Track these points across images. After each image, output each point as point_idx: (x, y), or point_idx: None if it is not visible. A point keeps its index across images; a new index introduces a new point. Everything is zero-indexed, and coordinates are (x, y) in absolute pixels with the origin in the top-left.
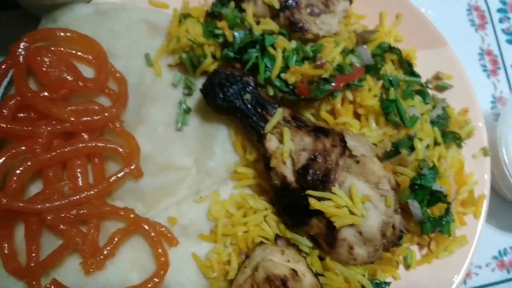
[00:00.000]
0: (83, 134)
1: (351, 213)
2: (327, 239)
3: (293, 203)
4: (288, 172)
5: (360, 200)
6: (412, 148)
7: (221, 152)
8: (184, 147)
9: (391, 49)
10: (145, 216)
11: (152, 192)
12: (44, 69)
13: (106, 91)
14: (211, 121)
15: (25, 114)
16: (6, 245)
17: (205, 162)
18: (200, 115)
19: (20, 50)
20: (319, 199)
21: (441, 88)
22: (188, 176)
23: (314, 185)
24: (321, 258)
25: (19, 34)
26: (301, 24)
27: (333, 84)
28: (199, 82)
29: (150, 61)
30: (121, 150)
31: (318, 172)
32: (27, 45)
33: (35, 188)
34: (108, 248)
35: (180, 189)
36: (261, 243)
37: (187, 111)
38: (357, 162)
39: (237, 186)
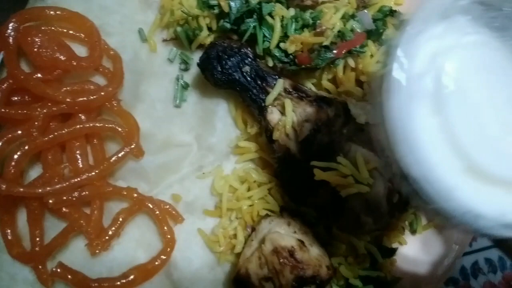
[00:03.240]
0: (80, 115)
1: (357, 181)
2: (333, 209)
3: (298, 174)
4: (292, 144)
5: (366, 168)
6: None
7: (222, 127)
8: (184, 123)
9: (392, 13)
10: (149, 194)
11: (155, 170)
12: (35, 49)
13: (101, 69)
14: (210, 96)
15: (19, 98)
16: (9, 230)
17: (206, 138)
18: (199, 91)
19: (9, 31)
20: (324, 169)
21: None
22: (189, 153)
23: (319, 155)
24: (328, 228)
25: (6, 14)
26: None
27: (334, 51)
28: (196, 56)
29: (144, 37)
30: (120, 129)
31: (322, 142)
32: (16, 25)
33: (35, 172)
34: (113, 228)
35: (182, 166)
36: (267, 215)
37: (185, 87)
38: (362, 130)
39: (239, 161)
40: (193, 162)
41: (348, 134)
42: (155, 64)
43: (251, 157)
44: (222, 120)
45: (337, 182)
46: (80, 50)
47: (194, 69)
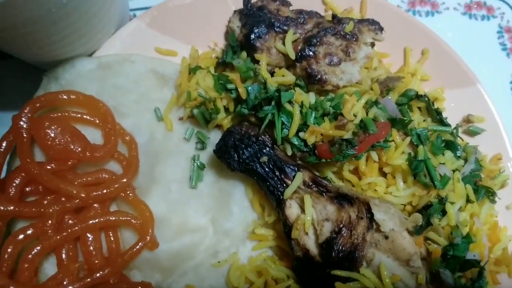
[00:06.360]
0: (94, 205)
1: None
2: None
3: (318, 278)
4: (311, 244)
5: (390, 280)
6: (443, 212)
7: (239, 211)
8: (200, 206)
9: (418, 97)
10: (163, 284)
11: (169, 258)
12: (48, 142)
13: (116, 155)
14: (227, 177)
15: (32, 187)
16: None
17: (222, 222)
18: (215, 170)
19: (21, 123)
20: (346, 279)
21: (472, 133)
22: (205, 238)
23: (340, 261)
24: None
25: (20, 82)
26: (319, 76)
27: (356, 147)
28: (213, 135)
29: (160, 116)
30: (134, 221)
31: (343, 248)
32: (29, 115)
33: (49, 264)
34: None
35: (197, 252)
36: None
37: (201, 167)
38: (386, 237)
39: (256, 248)
40: (208, 247)
41: (372, 240)
42: (171, 143)
43: (268, 245)
44: (239, 203)
45: None
46: (95, 135)
47: (210, 148)
